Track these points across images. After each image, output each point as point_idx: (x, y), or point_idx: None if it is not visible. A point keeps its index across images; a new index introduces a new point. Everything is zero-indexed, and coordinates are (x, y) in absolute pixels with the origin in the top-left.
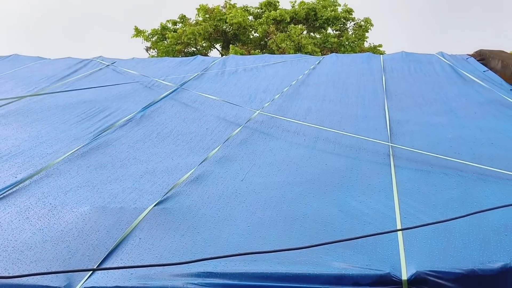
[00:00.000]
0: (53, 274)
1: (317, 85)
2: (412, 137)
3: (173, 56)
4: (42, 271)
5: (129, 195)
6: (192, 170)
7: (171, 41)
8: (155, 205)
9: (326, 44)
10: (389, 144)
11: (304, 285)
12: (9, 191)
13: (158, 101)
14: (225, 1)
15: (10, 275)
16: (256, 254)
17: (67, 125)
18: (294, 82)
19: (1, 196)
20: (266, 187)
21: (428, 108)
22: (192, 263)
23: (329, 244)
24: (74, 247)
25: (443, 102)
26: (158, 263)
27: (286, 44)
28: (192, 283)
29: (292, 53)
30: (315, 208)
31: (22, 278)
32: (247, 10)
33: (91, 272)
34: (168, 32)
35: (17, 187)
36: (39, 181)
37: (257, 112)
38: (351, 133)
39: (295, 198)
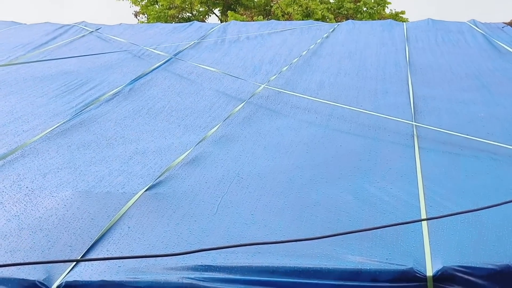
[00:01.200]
0: (30, 266)
1: (331, 56)
2: (439, 116)
3: (166, 22)
4: (18, 262)
5: (117, 179)
6: (188, 151)
7: (164, 5)
8: (146, 190)
9: (341, 10)
10: (413, 123)
11: (315, 281)
12: None
13: (149, 73)
14: None
15: None
16: (261, 245)
17: (45, 98)
18: (304, 53)
19: None
20: (272, 171)
21: (458, 83)
22: (188, 255)
23: (344, 235)
24: (54, 236)
25: (474, 76)
26: (149, 254)
27: (293, 9)
28: (188, 278)
29: (300, 20)
30: (328, 195)
31: None
32: None
33: (74, 263)
34: None
35: None
36: (13, 161)
37: (262, 86)
38: (369, 111)
39: (305, 184)
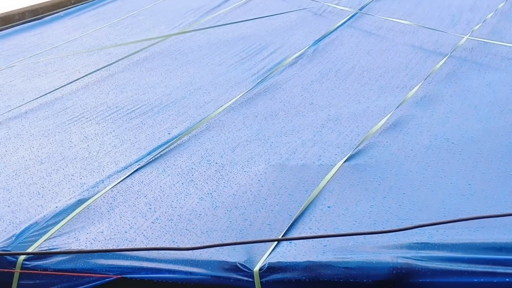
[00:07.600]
0: (229, 247)
1: None
2: None
3: None
4: (216, 243)
5: (311, 149)
6: (388, 116)
7: None
8: (345, 161)
9: None
10: None
11: None
12: (166, 149)
13: (333, 31)
14: None
15: (181, 247)
16: (484, 219)
17: (224, 67)
18: None
19: (158, 155)
20: (487, 134)
21: None
22: (402, 232)
23: None
24: (250, 214)
25: None
26: (360, 232)
27: None
28: (404, 257)
29: None
30: None
31: (194, 251)
32: None
33: (275, 244)
34: None
35: (174, 144)
36: (199, 135)
37: (465, 37)
38: None
39: None
